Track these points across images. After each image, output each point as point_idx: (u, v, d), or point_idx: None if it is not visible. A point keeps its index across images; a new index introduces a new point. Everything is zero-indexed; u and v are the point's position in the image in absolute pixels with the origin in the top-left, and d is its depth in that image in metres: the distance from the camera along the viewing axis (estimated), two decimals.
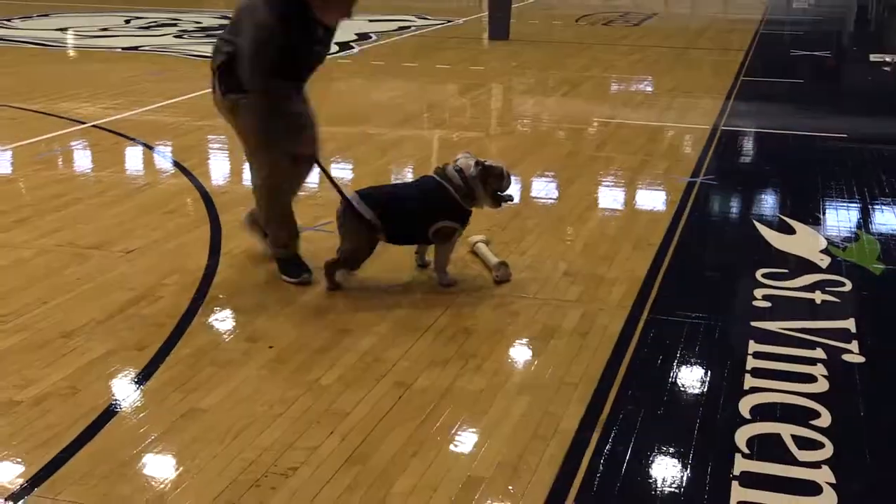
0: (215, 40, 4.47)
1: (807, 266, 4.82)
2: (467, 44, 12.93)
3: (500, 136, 7.74)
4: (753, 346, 3.91)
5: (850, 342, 3.97)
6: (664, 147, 7.33)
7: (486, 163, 4.42)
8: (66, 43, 13.31)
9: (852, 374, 3.71)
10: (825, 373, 3.69)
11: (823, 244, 5.16)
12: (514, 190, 6.09)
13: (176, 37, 13.67)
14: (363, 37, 13.80)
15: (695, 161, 6.88)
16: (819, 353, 3.85)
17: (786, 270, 4.75)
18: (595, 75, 10.75)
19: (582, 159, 6.92)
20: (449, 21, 16.35)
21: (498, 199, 4.49)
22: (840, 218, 5.68)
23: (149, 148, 7.13)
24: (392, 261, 4.69)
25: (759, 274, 4.69)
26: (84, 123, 7.81)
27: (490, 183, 4.41)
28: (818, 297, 4.45)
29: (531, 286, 4.52)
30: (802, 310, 4.34)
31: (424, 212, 4.33)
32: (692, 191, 6.14)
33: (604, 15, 17.81)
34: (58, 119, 7.95)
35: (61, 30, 14.45)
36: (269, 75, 4.09)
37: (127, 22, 15.52)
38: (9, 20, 15.26)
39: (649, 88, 10.22)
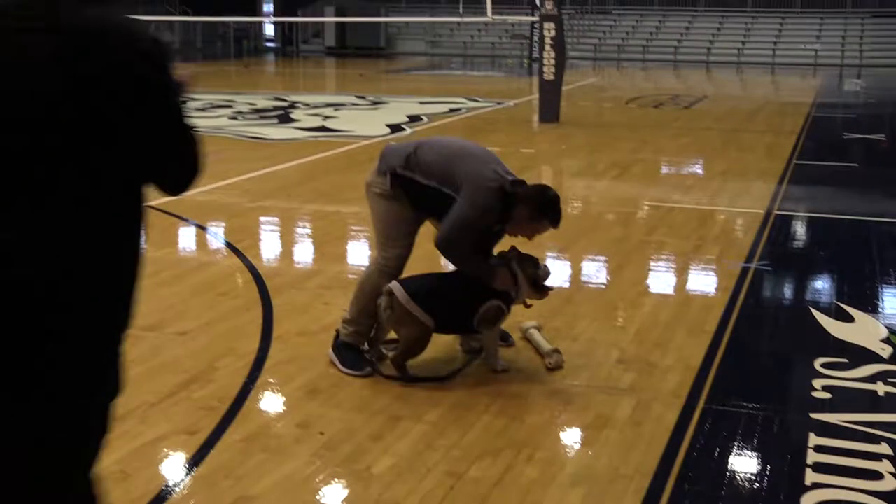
0: (391, 144, 4.59)
1: (867, 356, 4.71)
2: (518, 126, 13.05)
3: None
4: (814, 440, 3.81)
5: None
6: (716, 231, 7.28)
7: (521, 253, 4.44)
8: None
9: None
10: (892, 469, 3.57)
11: (884, 333, 5.04)
12: (561, 275, 6.12)
13: (230, 118, 13.98)
14: (414, 118, 14.01)
15: (748, 246, 6.80)
16: (884, 449, 3.73)
17: (845, 360, 4.64)
18: (645, 158, 10.76)
19: (633, 244, 6.89)
20: (499, 103, 16.56)
21: (539, 288, 4.47)
22: None
23: (202, 229, 7.25)
24: (444, 347, 4.67)
25: (817, 363, 4.59)
26: None
27: (527, 269, 4.40)
28: (881, 388, 4.33)
29: (583, 373, 4.46)
30: (864, 402, 4.23)
31: (470, 299, 4.32)
32: (746, 276, 6.06)
33: (654, 97, 17.93)
34: None
35: None
36: (468, 251, 4.37)
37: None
38: None
39: (700, 171, 10.20)
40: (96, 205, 1.93)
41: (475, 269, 4.39)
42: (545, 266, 4.51)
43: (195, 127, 2.10)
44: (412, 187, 4.36)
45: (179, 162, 2.07)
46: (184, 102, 2.07)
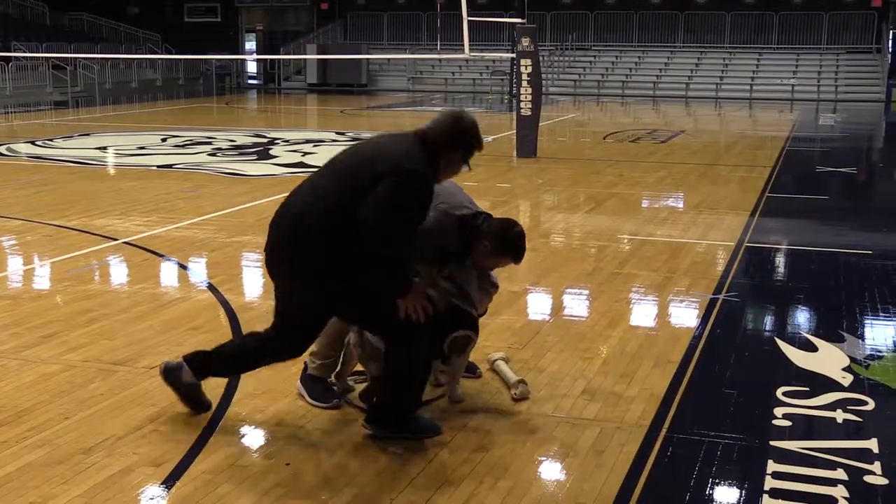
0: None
1: (828, 384, 4.79)
2: (496, 161, 13.16)
3: (526, 252, 7.80)
4: (772, 466, 3.87)
5: (872, 463, 3.92)
6: (687, 264, 7.37)
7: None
8: (104, 161, 13.73)
9: (874, 497, 3.65)
10: (846, 495, 3.64)
11: (846, 362, 5.13)
12: (532, 308, 6.20)
13: (210, 154, 14.06)
14: None
15: (717, 278, 6.90)
16: (840, 474, 3.80)
17: (807, 388, 4.72)
18: (621, 192, 10.89)
19: (604, 276, 6.97)
20: None
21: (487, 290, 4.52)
22: (864, 335, 5.65)
23: (178, 265, 7.29)
24: None
25: (779, 392, 4.67)
26: (116, 240, 8.01)
27: (484, 291, 4.48)
28: (840, 415, 4.41)
29: (549, 404, 4.52)
30: (824, 429, 4.30)
31: (439, 328, 4.37)
32: (714, 308, 6.15)
33: (632, 132, 18.12)
34: (91, 235, 8.16)
35: (101, 149, 14.93)
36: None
37: (164, 140, 16.01)
38: (51, 140, 15.80)
39: (674, 204, 10.32)
40: None
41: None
42: (492, 276, 4.56)
43: None
44: None
45: None
46: None
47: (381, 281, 3.93)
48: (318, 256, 3.89)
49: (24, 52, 26.74)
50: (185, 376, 4.22)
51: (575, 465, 3.89)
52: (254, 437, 4.15)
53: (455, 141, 4.05)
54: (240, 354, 4.26)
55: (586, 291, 6.61)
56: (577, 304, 6.41)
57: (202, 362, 4.21)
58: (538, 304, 6.39)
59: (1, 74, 26.04)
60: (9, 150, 14.54)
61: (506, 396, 4.59)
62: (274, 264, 4.10)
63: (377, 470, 3.81)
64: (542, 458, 3.98)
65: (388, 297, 3.94)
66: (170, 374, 4.24)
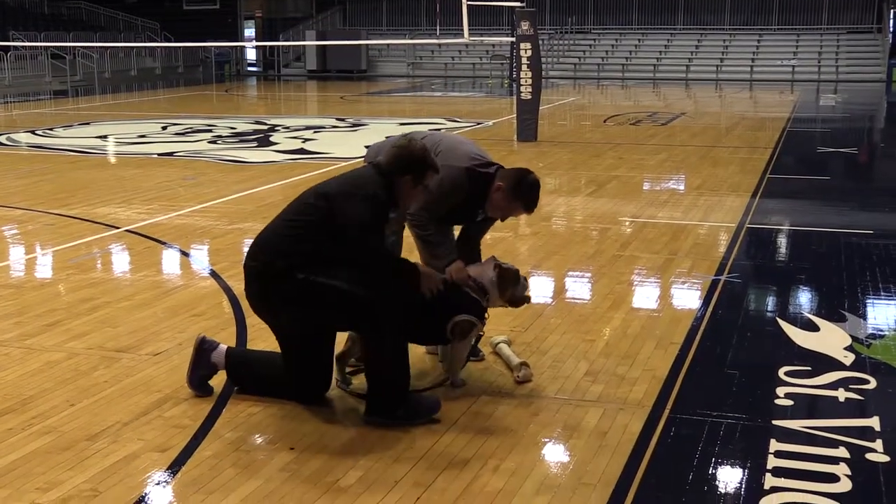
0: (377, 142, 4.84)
1: (830, 363, 4.80)
2: (496, 145, 13.15)
3: (527, 236, 7.83)
4: (775, 445, 3.89)
5: (874, 441, 3.93)
6: (688, 245, 7.38)
7: (503, 265, 4.49)
8: (104, 150, 13.73)
9: (876, 474, 3.67)
10: (848, 472, 3.65)
11: (848, 341, 5.14)
12: (534, 291, 6.20)
13: (210, 142, 14.06)
14: None
15: (719, 259, 6.91)
16: (842, 452, 3.82)
17: (809, 368, 4.73)
18: (622, 175, 10.89)
19: (606, 258, 6.98)
20: (479, 123, 16.70)
21: (514, 302, 4.55)
22: (865, 315, 5.66)
23: (180, 251, 7.31)
24: (417, 361, 4.73)
25: (781, 372, 4.68)
26: (118, 228, 8.02)
27: (506, 286, 4.47)
28: (841, 394, 4.42)
29: (552, 386, 4.54)
30: (825, 408, 4.32)
31: (443, 310, 4.38)
32: (716, 289, 6.16)
33: (633, 115, 18.10)
34: (93, 224, 8.18)
35: (101, 137, 14.93)
36: (433, 230, 4.64)
37: (164, 128, 16.01)
38: (51, 129, 15.81)
39: (675, 187, 10.32)
40: None
41: (434, 241, 4.51)
42: (524, 282, 4.57)
43: None
44: None
45: None
46: None
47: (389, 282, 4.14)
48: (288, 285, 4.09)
49: (23, 41, 26.70)
50: (214, 357, 4.37)
51: (578, 445, 3.91)
52: (258, 423, 4.16)
53: (404, 168, 4.16)
54: (271, 380, 4.38)
55: (588, 274, 6.62)
56: (579, 287, 6.42)
57: (240, 361, 4.45)
58: (540, 287, 6.40)
59: (0, 64, 25.99)
60: (9, 139, 14.56)
61: (509, 379, 4.61)
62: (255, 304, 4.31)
63: (381, 453, 3.83)
64: (546, 440, 3.99)
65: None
66: (203, 344, 4.41)
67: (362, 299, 4.02)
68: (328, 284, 4.04)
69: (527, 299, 4.61)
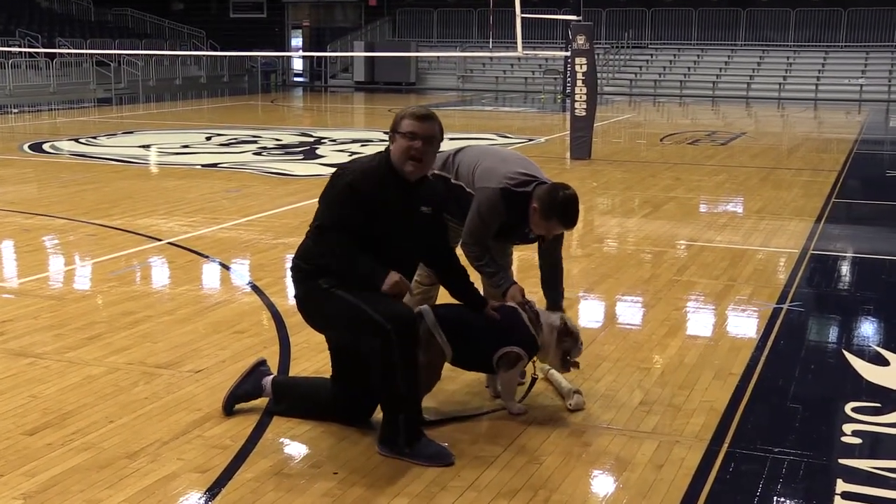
0: None
1: None
2: (548, 163, 12.98)
3: (579, 257, 7.65)
4: (842, 486, 3.68)
5: None
6: (749, 271, 7.14)
7: (568, 323, 4.35)
8: (147, 160, 13.74)
9: None
10: None
11: None
12: (587, 315, 6.06)
13: (255, 154, 14.03)
14: None
15: (781, 287, 6.67)
16: None
17: (878, 404, 4.50)
18: (679, 196, 10.65)
19: (662, 283, 6.78)
20: (530, 140, 16.54)
21: (566, 362, 4.39)
22: None
23: (222, 266, 7.25)
24: (465, 386, 4.60)
25: (848, 408, 4.46)
26: (160, 240, 7.99)
27: (563, 342, 4.32)
28: None
29: (605, 415, 4.37)
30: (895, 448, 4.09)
31: (494, 339, 4.24)
32: (778, 318, 5.93)
33: (690, 134, 17.81)
34: (135, 235, 8.16)
35: (144, 147, 14.97)
36: (482, 253, 4.67)
37: (208, 139, 16.05)
38: (95, 137, 15.93)
39: (735, 209, 10.06)
40: None
41: (488, 272, 4.55)
42: (581, 345, 4.42)
43: None
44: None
45: None
46: None
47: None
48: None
49: (69, 48, 26.89)
50: (264, 381, 4.33)
51: (632, 479, 3.74)
52: (301, 445, 4.05)
53: (391, 134, 4.10)
54: (316, 400, 4.30)
55: (643, 299, 6.43)
56: (633, 313, 6.23)
57: (285, 384, 4.42)
58: (592, 312, 6.23)
59: (45, 71, 26.17)
60: (52, 147, 14.66)
61: (560, 407, 4.45)
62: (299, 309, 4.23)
63: (427, 480, 3.69)
64: (598, 472, 3.83)
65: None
66: (262, 365, 4.42)
67: (377, 324, 3.81)
68: (345, 298, 3.91)
69: (576, 364, 4.43)
